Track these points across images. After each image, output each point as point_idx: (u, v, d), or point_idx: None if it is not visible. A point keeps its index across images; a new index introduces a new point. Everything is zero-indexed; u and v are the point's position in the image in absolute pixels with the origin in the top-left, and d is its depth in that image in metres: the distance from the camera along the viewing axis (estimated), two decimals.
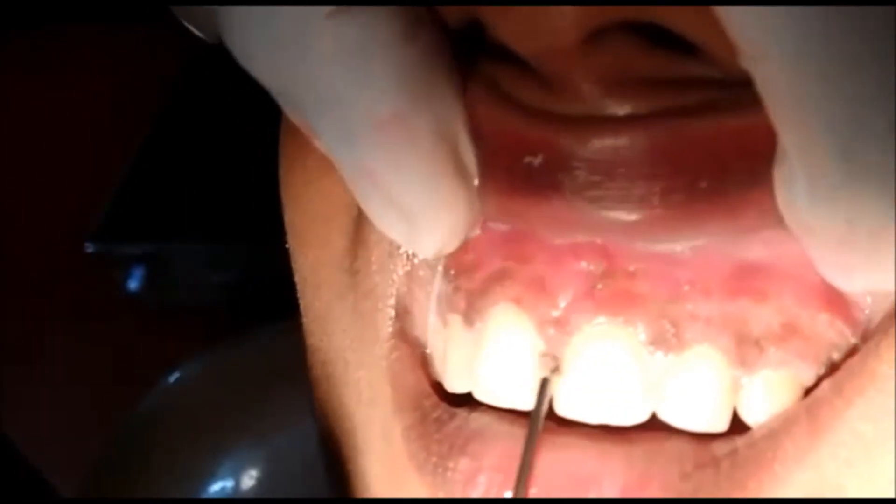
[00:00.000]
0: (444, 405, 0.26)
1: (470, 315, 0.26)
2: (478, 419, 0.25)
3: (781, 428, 0.23)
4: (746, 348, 0.24)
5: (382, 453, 0.27)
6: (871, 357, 0.23)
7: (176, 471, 0.52)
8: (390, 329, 0.28)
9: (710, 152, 0.22)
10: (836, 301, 0.23)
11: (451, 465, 0.24)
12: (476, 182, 0.24)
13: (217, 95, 1.01)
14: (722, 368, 0.24)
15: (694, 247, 0.24)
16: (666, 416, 0.24)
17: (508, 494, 0.23)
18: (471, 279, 0.26)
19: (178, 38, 1.06)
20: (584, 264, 0.24)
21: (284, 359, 0.51)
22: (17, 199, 0.94)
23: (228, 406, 0.52)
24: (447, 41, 0.23)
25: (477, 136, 0.24)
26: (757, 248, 0.23)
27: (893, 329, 0.23)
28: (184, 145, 0.99)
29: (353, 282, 0.28)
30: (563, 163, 0.23)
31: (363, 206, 0.24)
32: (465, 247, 0.26)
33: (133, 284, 0.89)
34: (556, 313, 0.24)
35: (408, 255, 0.27)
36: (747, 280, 0.24)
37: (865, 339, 0.24)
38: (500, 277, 0.25)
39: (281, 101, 0.23)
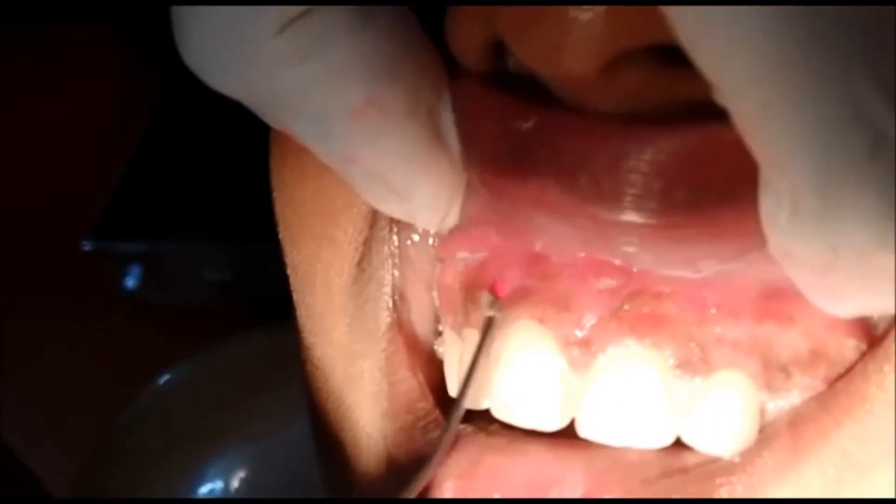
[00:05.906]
0: (435, 413, 0.26)
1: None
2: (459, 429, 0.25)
3: (762, 442, 0.23)
4: (773, 373, 0.23)
5: (381, 451, 0.27)
6: (859, 378, 0.23)
7: (166, 472, 0.51)
8: (388, 320, 0.27)
9: (713, 162, 0.22)
10: (863, 326, 0.23)
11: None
12: (458, 149, 0.24)
13: (213, 96, 1.01)
14: (749, 393, 0.23)
15: (720, 270, 0.23)
16: (690, 440, 0.24)
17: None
18: (490, 295, 0.25)
19: (175, 39, 1.06)
20: (607, 281, 0.24)
21: (273, 361, 0.50)
22: (15, 197, 0.94)
23: (218, 408, 0.52)
24: (410, 17, 0.23)
25: (462, 108, 0.24)
26: (783, 271, 0.23)
27: (879, 352, 0.22)
28: (181, 145, 0.99)
29: (361, 275, 0.28)
30: (555, 133, 0.23)
31: (361, 194, 0.25)
32: (482, 263, 0.25)
33: (130, 283, 0.89)
34: (580, 333, 0.24)
35: (399, 239, 0.27)
36: (775, 303, 0.23)
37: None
38: (523, 294, 0.25)
39: (253, 110, 0.23)
